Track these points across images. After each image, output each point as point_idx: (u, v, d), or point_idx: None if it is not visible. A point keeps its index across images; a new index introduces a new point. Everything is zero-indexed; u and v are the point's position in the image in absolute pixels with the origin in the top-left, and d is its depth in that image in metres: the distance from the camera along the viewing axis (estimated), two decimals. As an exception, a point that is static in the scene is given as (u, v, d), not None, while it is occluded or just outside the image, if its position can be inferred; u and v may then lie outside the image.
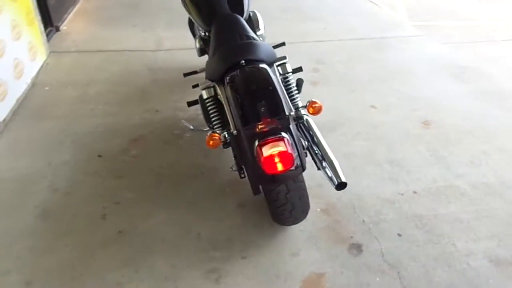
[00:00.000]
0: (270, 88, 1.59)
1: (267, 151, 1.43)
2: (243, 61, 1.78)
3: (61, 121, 2.80)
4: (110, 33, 4.20)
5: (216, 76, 1.83)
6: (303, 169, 1.57)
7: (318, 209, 2.08)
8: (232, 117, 1.63)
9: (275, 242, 1.90)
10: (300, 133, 1.94)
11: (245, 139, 1.53)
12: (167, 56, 3.71)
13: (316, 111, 1.66)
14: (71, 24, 4.43)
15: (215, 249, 1.87)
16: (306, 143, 1.90)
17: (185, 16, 2.78)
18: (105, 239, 1.91)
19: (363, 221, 2.02)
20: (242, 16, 2.21)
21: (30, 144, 2.56)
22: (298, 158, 1.52)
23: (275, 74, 1.79)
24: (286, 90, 1.95)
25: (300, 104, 1.92)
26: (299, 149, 1.55)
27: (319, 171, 1.78)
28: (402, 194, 2.18)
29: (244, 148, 1.55)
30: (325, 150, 1.80)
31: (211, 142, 1.62)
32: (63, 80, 3.32)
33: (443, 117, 2.86)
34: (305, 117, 2.03)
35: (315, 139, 1.88)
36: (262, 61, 1.81)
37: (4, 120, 2.73)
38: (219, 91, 1.81)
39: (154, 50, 3.85)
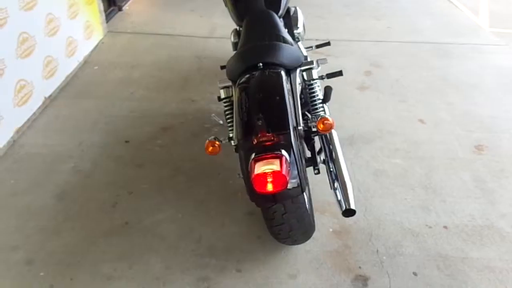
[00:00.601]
0: (277, 98, 1.46)
1: (259, 168, 1.31)
2: (260, 64, 1.66)
3: (101, 102, 2.88)
4: (167, 17, 4.24)
5: (233, 76, 1.74)
6: (302, 190, 1.43)
7: (331, 229, 1.93)
8: (235, 125, 1.53)
9: (275, 259, 1.79)
10: (321, 145, 1.79)
11: (242, 150, 1.43)
12: (217, 45, 3.67)
13: (326, 128, 1.51)
14: (134, 5, 4.54)
15: (212, 255, 1.80)
16: (323, 157, 1.76)
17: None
18: (110, 228, 1.93)
19: (377, 251, 1.83)
20: (277, 13, 2.07)
21: (67, 122, 2.66)
22: (297, 178, 1.39)
23: (292, 82, 1.64)
24: (310, 98, 1.80)
25: (324, 114, 1.78)
26: (300, 168, 1.41)
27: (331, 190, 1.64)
28: (430, 227, 1.95)
29: (241, 159, 1.45)
30: (340, 169, 1.65)
31: (210, 149, 1.53)
32: (112, 61, 3.41)
33: (501, 143, 2.51)
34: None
35: (333, 155, 1.73)
36: (282, 66, 1.68)
37: (50, 96, 2.86)
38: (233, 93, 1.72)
39: (205, 37, 3.83)
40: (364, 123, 2.67)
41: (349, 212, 1.54)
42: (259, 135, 1.35)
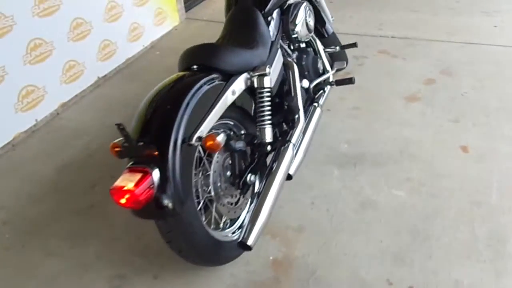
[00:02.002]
0: (168, 107, 1.33)
1: (120, 179, 1.23)
2: (194, 66, 1.54)
3: (144, 86, 3.02)
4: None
5: None
6: (174, 213, 1.29)
7: (271, 258, 1.71)
8: None
9: (196, 275, 1.68)
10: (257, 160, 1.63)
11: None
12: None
13: (212, 148, 1.31)
14: None
15: (142, 255, 1.78)
16: (252, 178, 1.60)
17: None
18: (78, 208, 2.07)
19: (308, 297, 1.57)
20: (263, 10, 1.87)
21: (106, 102, 2.91)
22: (169, 198, 1.26)
23: (225, 88, 1.47)
24: (257, 109, 1.61)
25: (265, 136, 1.58)
26: (178, 188, 1.27)
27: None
28: (390, 284, 1.57)
29: None
30: (265, 197, 1.47)
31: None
32: (175, 47, 3.56)
33: None
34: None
35: (269, 176, 1.55)
36: (219, 70, 1.52)
37: (105, 76, 3.16)
38: None
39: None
40: (386, 141, 2.26)
41: (243, 246, 1.35)
42: (124, 144, 1.26)
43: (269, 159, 1.70)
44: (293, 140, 1.72)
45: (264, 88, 1.60)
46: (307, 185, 2.02)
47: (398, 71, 2.89)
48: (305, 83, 2.07)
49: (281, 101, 1.87)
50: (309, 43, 2.24)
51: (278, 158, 1.63)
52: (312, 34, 2.10)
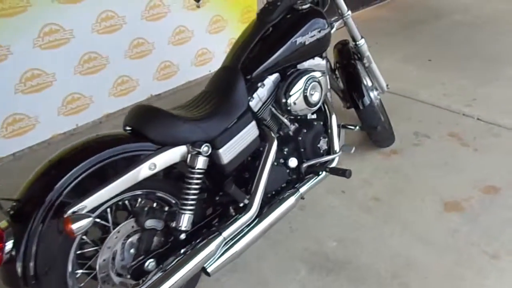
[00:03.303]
0: (60, 168, 1.25)
1: None
2: (128, 128, 1.44)
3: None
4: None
5: None
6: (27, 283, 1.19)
7: None
8: None
9: None
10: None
11: None
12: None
13: (67, 231, 1.16)
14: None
15: None
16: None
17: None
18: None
19: None
20: (249, 74, 1.64)
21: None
22: (20, 268, 1.17)
23: (127, 162, 1.32)
24: (183, 189, 1.42)
25: (181, 222, 1.39)
26: (27, 260, 1.17)
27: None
28: None
29: None
30: None
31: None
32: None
33: None
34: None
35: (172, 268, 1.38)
36: (148, 138, 1.38)
37: (159, 95, 3.25)
38: None
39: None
40: (385, 255, 1.82)
41: None
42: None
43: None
44: (225, 233, 1.47)
45: (194, 168, 1.40)
46: (260, 279, 1.74)
47: (459, 164, 2.33)
48: (293, 162, 1.78)
49: (240, 178, 1.63)
50: (321, 116, 1.92)
51: (194, 248, 1.42)
52: (315, 108, 1.78)
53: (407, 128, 2.66)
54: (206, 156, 1.41)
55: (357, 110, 2.18)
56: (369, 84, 2.25)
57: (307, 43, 1.71)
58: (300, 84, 1.68)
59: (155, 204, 1.49)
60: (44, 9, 2.44)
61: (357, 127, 2.07)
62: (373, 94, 2.24)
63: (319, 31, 1.75)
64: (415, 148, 2.50)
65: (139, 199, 1.45)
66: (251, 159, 1.66)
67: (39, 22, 2.46)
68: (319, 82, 1.74)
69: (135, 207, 1.44)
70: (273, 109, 1.72)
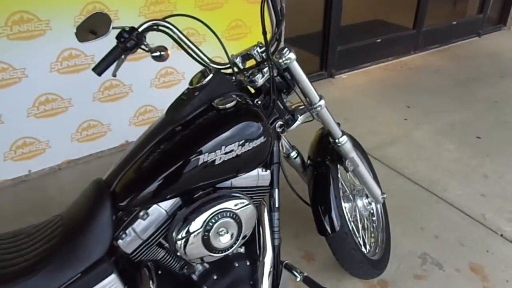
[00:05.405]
0: None
1: None
2: None
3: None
4: (370, 108, 3.25)
5: None
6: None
7: None
8: None
9: None
10: None
11: None
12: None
13: None
14: (352, 77, 3.77)
15: None
16: None
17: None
18: None
19: None
20: None
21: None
22: None
23: None
24: None
25: None
26: None
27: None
28: None
29: None
30: None
31: None
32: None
33: None
34: None
35: None
36: None
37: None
38: None
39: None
40: None
41: None
42: None
43: None
44: None
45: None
46: None
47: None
48: None
49: None
50: (251, 250, 1.33)
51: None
52: (223, 254, 1.19)
53: (413, 246, 1.97)
54: None
55: (328, 235, 1.56)
56: (348, 193, 1.63)
57: (219, 160, 1.14)
58: (197, 223, 1.11)
59: None
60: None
61: (304, 274, 1.43)
62: (362, 202, 1.66)
63: (246, 142, 1.17)
64: (415, 283, 1.81)
65: None
66: None
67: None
68: (235, 218, 1.16)
69: None
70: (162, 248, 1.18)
